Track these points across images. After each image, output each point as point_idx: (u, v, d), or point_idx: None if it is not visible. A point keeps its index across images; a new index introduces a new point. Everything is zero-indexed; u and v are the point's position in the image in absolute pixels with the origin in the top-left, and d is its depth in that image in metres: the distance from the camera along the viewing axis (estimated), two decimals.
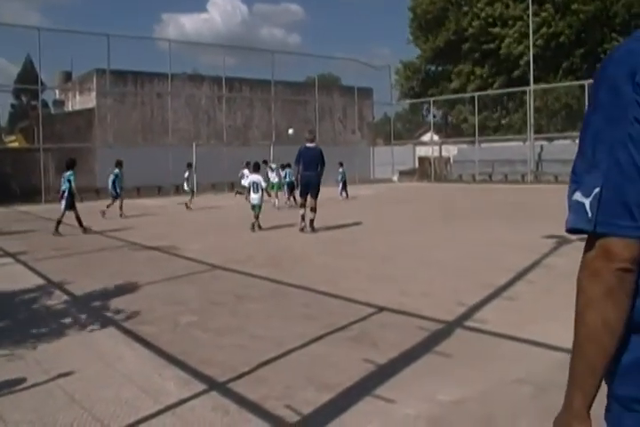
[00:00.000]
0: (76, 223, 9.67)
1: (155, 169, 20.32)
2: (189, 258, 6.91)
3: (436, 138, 30.58)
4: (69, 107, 25.71)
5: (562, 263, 5.80)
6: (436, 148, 29.34)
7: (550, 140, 27.48)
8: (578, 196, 0.88)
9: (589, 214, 0.86)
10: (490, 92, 29.70)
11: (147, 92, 24.12)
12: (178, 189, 21.73)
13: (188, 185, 14.86)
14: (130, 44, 25.27)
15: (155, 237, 8.99)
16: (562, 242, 7.29)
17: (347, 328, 3.82)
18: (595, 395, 0.89)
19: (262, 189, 9.99)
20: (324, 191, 10.44)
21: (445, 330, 3.75)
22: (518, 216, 11.36)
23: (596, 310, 0.88)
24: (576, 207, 0.88)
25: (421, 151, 29.99)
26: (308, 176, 9.32)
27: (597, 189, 0.86)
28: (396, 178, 28.66)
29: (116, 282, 5.47)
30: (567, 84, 27.23)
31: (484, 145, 28.42)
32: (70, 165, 9.80)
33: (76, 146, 20.15)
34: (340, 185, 16.73)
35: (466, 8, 31.58)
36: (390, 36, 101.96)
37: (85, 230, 9.81)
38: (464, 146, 28.62)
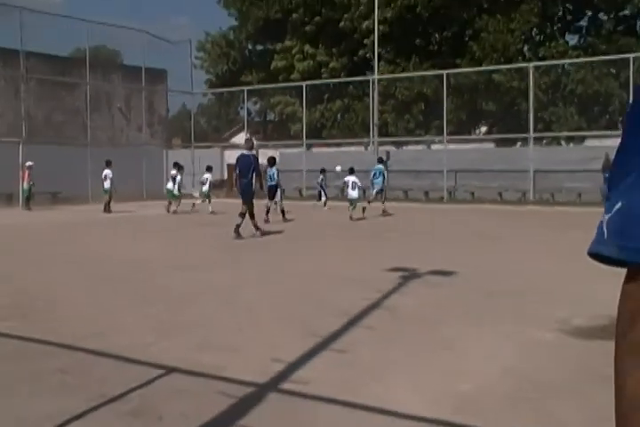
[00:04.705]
0: None
1: None
2: None
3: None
4: None
5: (408, 304, 7.62)
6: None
7: (399, 144, 36.02)
8: (603, 215, 1.09)
9: (605, 235, 1.05)
10: (320, 81, 38.00)
11: None
12: None
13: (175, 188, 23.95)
14: None
15: None
16: (408, 277, 9.40)
17: (122, 399, 4.49)
18: None
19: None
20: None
21: (255, 395, 4.55)
22: (353, 242, 14.50)
23: (625, 365, 1.04)
24: (598, 228, 1.08)
25: (232, 157, 33.86)
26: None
27: (619, 205, 1.05)
28: (197, 193, 32.61)
29: None
30: (420, 73, 36.13)
31: (315, 150, 36.54)
32: None
33: None
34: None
35: None
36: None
37: None
38: (289, 151, 35.24)
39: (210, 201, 24.12)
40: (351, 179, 21.39)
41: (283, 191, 21.75)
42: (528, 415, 4.28)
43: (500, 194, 30.03)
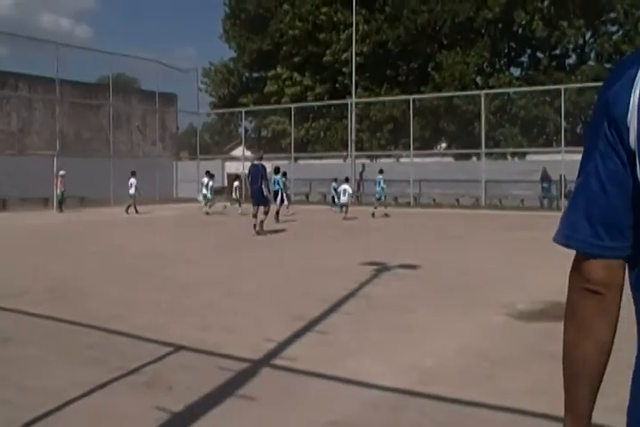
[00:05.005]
0: None
1: None
2: None
3: (248, 153, 37.01)
4: None
5: (380, 293, 7.67)
6: (248, 164, 35.04)
7: (372, 157, 36.15)
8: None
9: (558, 226, 1.24)
10: (306, 104, 38.27)
11: None
12: None
13: (209, 193, 24.54)
14: None
15: None
16: (380, 269, 9.45)
17: (138, 372, 4.51)
18: (585, 421, 1.22)
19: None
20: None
21: (250, 370, 4.57)
22: (337, 240, 14.39)
23: (566, 331, 1.23)
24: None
25: (231, 168, 36.19)
26: None
27: (568, 203, 1.23)
28: (201, 197, 33.77)
29: None
30: (390, 98, 36.32)
31: (302, 162, 36.45)
32: None
33: None
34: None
35: (287, 6, 40.12)
36: (197, 33, 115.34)
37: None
38: (279, 162, 34.52)
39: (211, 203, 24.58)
40: (344, 186, 21.88)
41: (282, 195, 21.79)
42: (480, 386, 4.32)
43: (457, 200, 30.19)
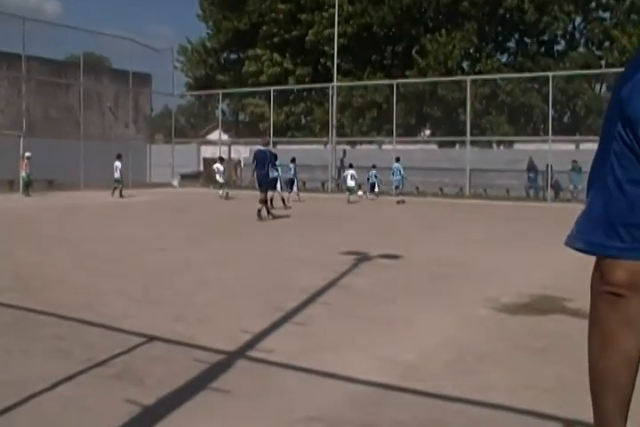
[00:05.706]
0: None
1: None
2: None
3: (225, 137, 37.18)
4: None
5: (360, 283, 7.75)
6: (225, 148, 35.83)
7: (354, 144, 36.22)
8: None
9: (573, 230, 1.24)
10: (286, 87, 37.94)
11: None
12: None
13: (222, 178, 25.61)
14: None
15: None
16: (361, 259, 9.54)
17: (107, 363, 4.52)
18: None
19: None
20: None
21: (225, 362, 4.58)
22: (313, 230, 14.51)
23: (590, 341, 1.21)
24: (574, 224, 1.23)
25: (207, 152, 36.49)
26: None
27: (584, 207, 1.23)
28: (176, 182, 34.17)
29: None
30: (374, 82, 36.29)
31: (280, 147, 36.22)
32: None
33: None
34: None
35: None
36: (174, 12, 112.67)
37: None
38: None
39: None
40: (350, 172, 23.98)
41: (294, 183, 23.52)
42: (463, 381, 4.30)
43: (441, 189, 30.47)
